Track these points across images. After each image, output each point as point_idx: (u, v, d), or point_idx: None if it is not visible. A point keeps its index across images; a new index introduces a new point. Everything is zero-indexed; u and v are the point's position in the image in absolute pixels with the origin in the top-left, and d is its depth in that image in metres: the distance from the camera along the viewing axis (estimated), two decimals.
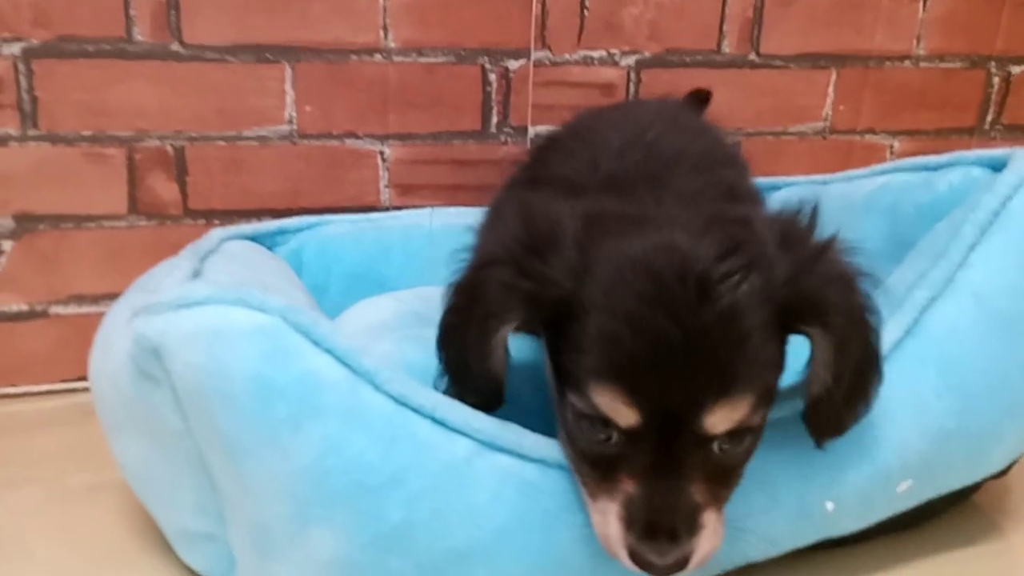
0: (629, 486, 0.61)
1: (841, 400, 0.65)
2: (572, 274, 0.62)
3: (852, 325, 0.64)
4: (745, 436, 0.62)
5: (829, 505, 0.73)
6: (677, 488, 0.60)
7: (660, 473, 0.60)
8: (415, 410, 0.65)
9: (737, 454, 0.63)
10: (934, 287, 0.76)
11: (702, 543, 0.60)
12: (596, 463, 0.63)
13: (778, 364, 0.64)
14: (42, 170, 1.16)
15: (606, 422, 0.61)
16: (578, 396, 0.62)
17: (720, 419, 0.59)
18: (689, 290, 0.58)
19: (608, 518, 0.62)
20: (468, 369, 0.68)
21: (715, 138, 1.00)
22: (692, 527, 0.60)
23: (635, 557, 0.60)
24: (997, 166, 0.86)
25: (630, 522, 0.60)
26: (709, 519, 0.61)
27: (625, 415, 0.59)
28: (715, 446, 0.61)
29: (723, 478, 0.63)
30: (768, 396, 0.63)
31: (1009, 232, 0.77)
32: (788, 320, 0.62)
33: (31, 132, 1.15)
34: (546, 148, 0.98)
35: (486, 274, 0.66)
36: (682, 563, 0.59)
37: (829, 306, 0.62)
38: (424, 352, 0.80)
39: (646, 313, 0.58)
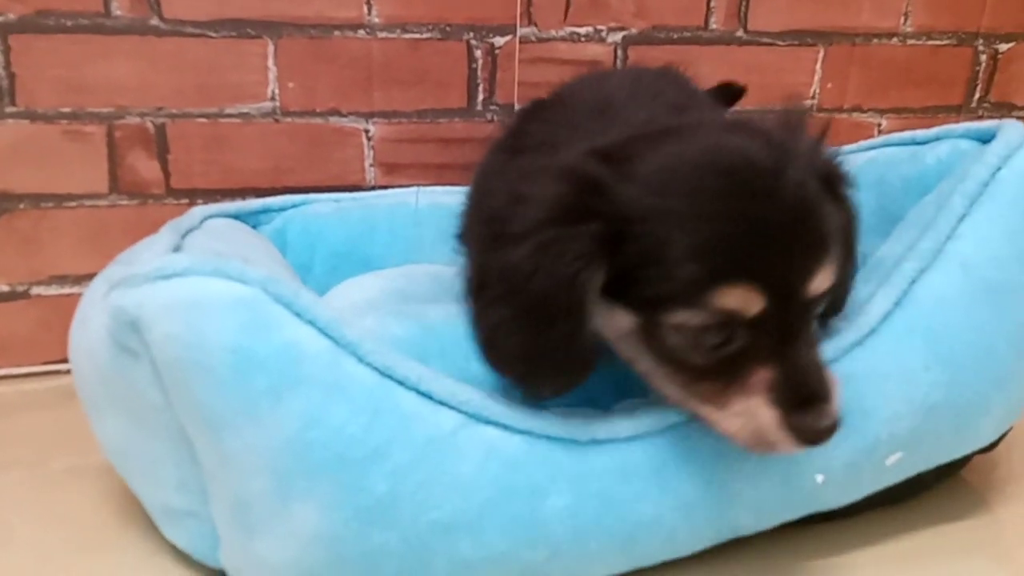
0: (765, 373, 0.62)
1: (847, 280, 0.72)
2: (638, 200, 0.62)
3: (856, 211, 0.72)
4: (823, 297, 0.65)
5: (819, 477, 0.73)
6: (810, 354, 0.63)
7: (791, 347, 0.62)
8: (399, 382, 0.65)
9: (819, 307, 0.66)
10: (923, 258, 0.76)
11: (838, 399, 0.63)
12: (718, 373, 0.64)
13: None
14: (20, 148, 1.14)
15: (726, 323, 0.61)
16: (688, 310, 0.61)
17: (823, 279, 0.63)
18: (764, 175, 0.61)
19: (755, 412, 0.63)
20: (554, 349, 0.65)
21: (695, 93, 1.01)
22: (832, 385, 0.63)
23: (800, 432, 0.62)
24: (986, 138, 0.86)
25: (784, 402, 0.61)
26: (832, 374, 0.64)
27: (753, 303, 0.60)
28: (814, 312, 0.64)
29: (815, 343, 0.65)
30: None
31: (998, 203, 0.77)
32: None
33: (8, 109, 1.13)
34: (527, 115, 0.97)
35: (547, 235, 0.62)
36: (839, 421, 0.62)
37: (846, 191, 0.70)
38: (409, 326, 0.80)
39: (736, 205, 0.60)
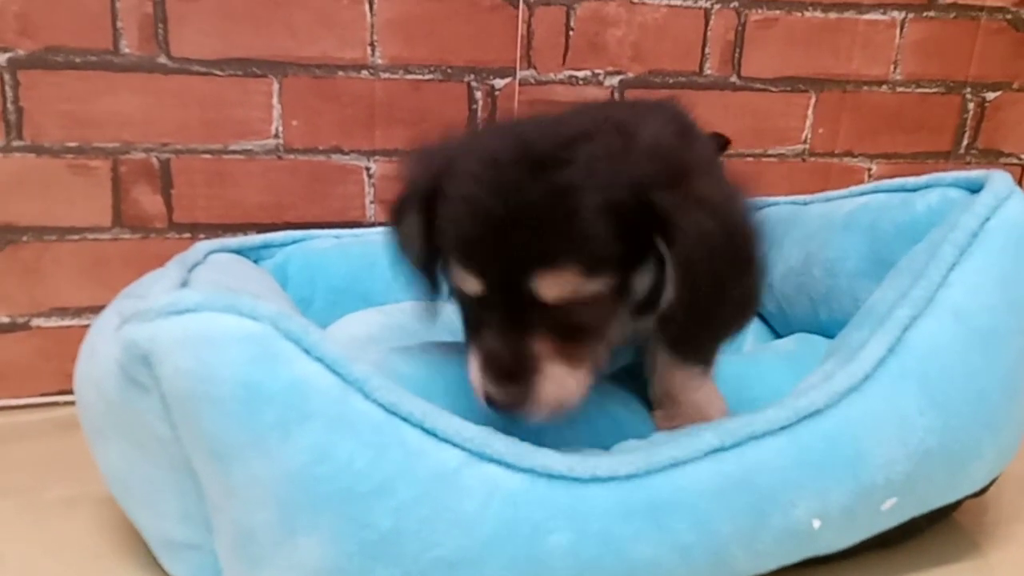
0: (485, 339, 0.71)
1: (684, 319, 0.69)
2: (438, 170, 0.72)
3: (701, 251, 0.67)
4: (586, 302, 0.69)
5: (815, 522, 0.73)
6: (516, 340, 0.69)
7: (504, 329, 0.69)
8: (405, 419, 0.65)
9: (583, 316, 0.70)
10: (915, 306, 0.77)
11: (545, 385, 0.69)
12: (468, 324, 0.75)
13: (614, 249, 0.68)
14: (26, 181, 1.16)
15: (465, 293, 0.71)
16: (447, 271, 0.74)
17: (548, 287, 0.67)
18: (519, 171, 0.66)
19: (472, 364, 0.72)
20: (413, 267, 0.80)
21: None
22: (527, 371, 0.69)
23: (485, 396, 0.70)
24: (974, 187, 0.88)
25: (481, 367, 0.71)
26: (552, 368, 0.70)
27: (471, 284, 0.70)
28: (552, 311, 0.68)
29: (570, 336, 0.70)
30: (609, 271, 0.68)
31: (987, 252, 0.79)
32: (634, 223, 0.67)
33: (15, 143, 1.14)
34: None
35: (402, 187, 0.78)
36: (520, 400, 0.69)
37: (674, 227, 0.67)
38: (414, 365, 0.81)
39: (479, 194, 0.67)
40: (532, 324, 0.69)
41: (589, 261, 0.67)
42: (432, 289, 0.81)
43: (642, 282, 0.73)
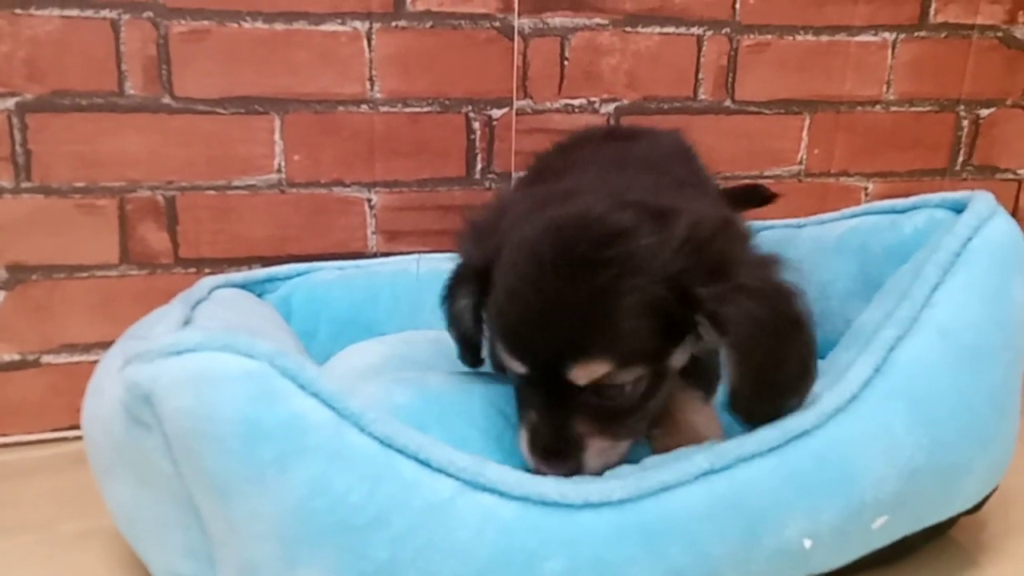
0: (532, 416, 0.78)
1: (748, 395, 0.74)
2: (488, 253, 0.79)
3: (752, 336, 0.71)
4: (623, 387, 0.76)
5: (807, 542, 0.74)
6: (559, 421, 0.76)
7: (548, 408, 0.76)
8: (399, 451, 0.67)
9: (621, 399, 0.76)
10: (900, 326, 0.79)
11: (588, 459, 0.76)
12: (518, 399, 0.82)
13: (650, 342, 0.74)
14: (35, 221, 1.19)
15: (514, 372, 0.78)
16: (493, 348, 0.83)
17: (581, 374, 0.73)
18: (560, 271, 0.72)
19: (521, 438, 0.79)
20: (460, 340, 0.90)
21: (686, 153, 1.10)
22: (572, 448, 0.76)
23: (536, 470, 0.76)
24: (960, 208, 0.89)
25: (531, 444, 0.77)
26: (594, 443, 0.77)
27: (516, 365, 0.77)
28: (591, 394, 0.75)
29: (610, 416, 0.77)
30: (643, 362, 0.75)
31: (970, 271, 0.80)
32: (673, 312, 0.73)
33: (24, 184, 1.17)
34: (555, 149, 1.10)
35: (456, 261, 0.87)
36: (568, 473, 0.75)
37: (724, 318, 0.71)
38: (411, 394, 0.83)
39: (521, 289, 0.74)
40: (570, 405, 0.75)
41: (623, 354, 0.73)
42: (476, 359, 0.92)
43: (680, 359, 0.79)
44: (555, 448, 0.76)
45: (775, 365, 0.73)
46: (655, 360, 0.76)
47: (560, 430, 0.76)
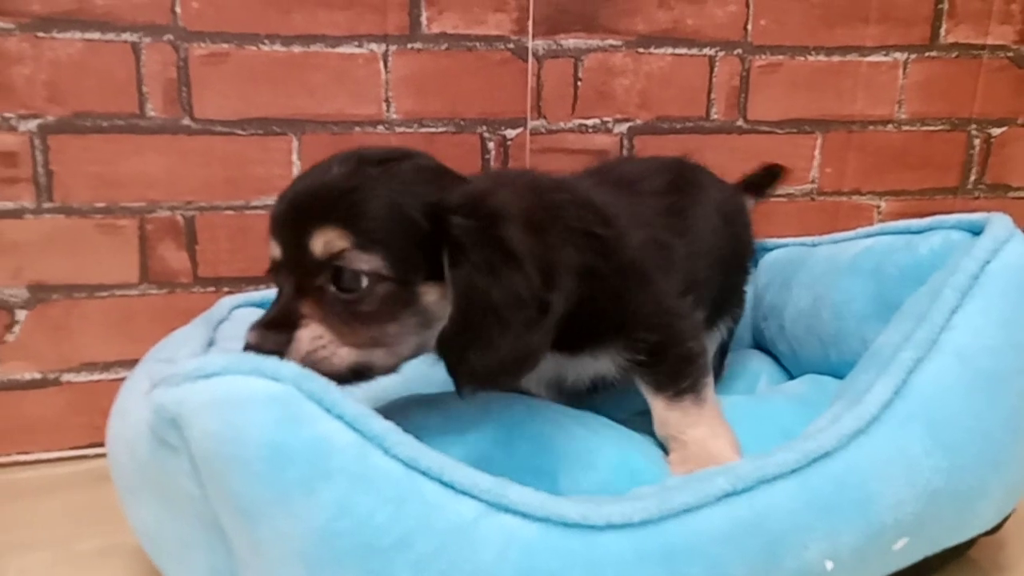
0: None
1: (454, 339, 0.76)
2: None
3: (478, 275, 0.74)
4: (359, 276, 0.75)
5: (828, 564, 0.74)
6: (292, 303, 0.76)
7: (287, 293, 0.77)
8: (423, 472, 0.67)
9: (358, 292, 0.75)
10: (919, 349, 0.79)
11: (300, 338, 0.75)
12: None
13: (392, 242, 0.75)
14: (56, 241, 1.20)
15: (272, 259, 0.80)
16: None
17: (319, 243, 0.74)
18: (331, 168, 0.77)
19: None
20: None
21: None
22: (288, 323, 0.75)
23: (245, 344, 0.74)
24: (976, 229, 0.90)
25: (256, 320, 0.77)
26: (312, 326, 0.75)
27: (272, 248, 0.79)
28: (329, 279, 0.75)
29: (342, 310, 0.76)
30: (385, 256, 0.75)
31: (988, 295, 0.80)
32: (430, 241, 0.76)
33: (46, 204, 1.19)
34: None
35: None
36: (271, 345, 0.73)
37: (458, 248, 0.75)
38: (432, 416, 0.83)
39: (295, 183, 0.79)
40: (311, 290, 0.76)
41: (363, 232, 0.74)
42: None
43: (434, 295, 0.78)
44: (274, 322, 0.76)
45: (490, 315, 0.74)
46: (400, 266, 0.76)
47: (287, 307, 0.76)
